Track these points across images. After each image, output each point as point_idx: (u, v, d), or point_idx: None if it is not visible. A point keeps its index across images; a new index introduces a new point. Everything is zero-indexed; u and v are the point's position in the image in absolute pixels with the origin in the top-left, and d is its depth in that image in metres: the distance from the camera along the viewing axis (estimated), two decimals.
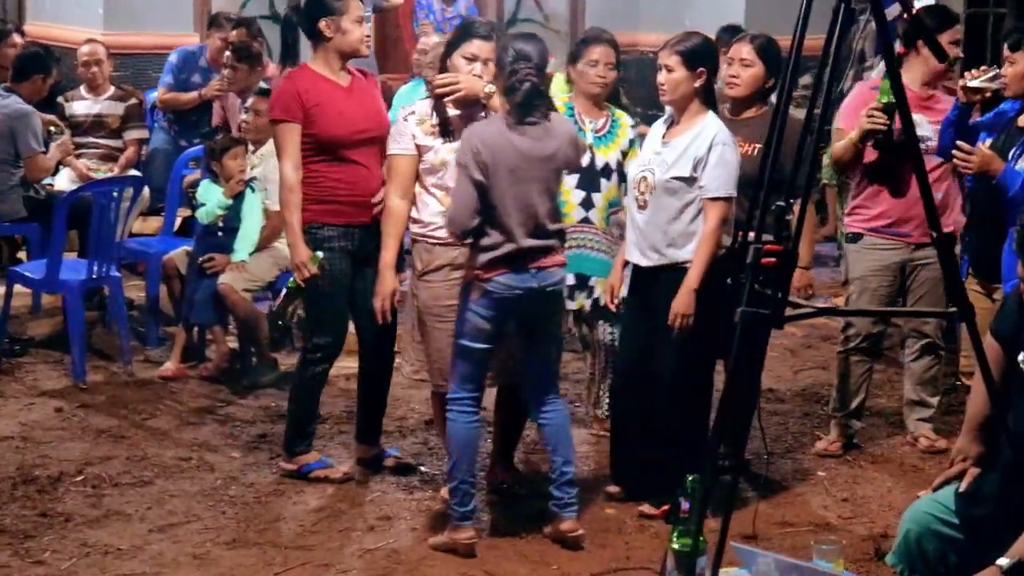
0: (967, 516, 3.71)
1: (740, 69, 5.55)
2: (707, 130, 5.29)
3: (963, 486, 3.76)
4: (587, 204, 5.90)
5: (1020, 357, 3.65)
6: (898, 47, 6.01)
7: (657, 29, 9.84)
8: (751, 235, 3.54)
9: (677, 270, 5.24)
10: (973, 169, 5.40)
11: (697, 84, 5.29)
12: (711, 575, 3.33)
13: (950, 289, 3.33)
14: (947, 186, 5.97)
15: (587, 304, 5.97)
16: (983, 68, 5.53)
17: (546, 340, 5.17)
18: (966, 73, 5.65)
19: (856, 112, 5.93)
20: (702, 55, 5.33)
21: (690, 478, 3.56)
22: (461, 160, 4.93)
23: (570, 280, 5.78)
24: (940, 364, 6.30)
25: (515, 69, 4.90)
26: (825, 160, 8.75)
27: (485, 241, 4.91)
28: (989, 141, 5.57)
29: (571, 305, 5.93)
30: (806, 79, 9.51)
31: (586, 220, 5.90)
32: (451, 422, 5.05)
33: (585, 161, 5.76)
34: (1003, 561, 3.34)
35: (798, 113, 4.51)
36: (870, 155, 5.91)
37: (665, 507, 5.32)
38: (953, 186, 6.10)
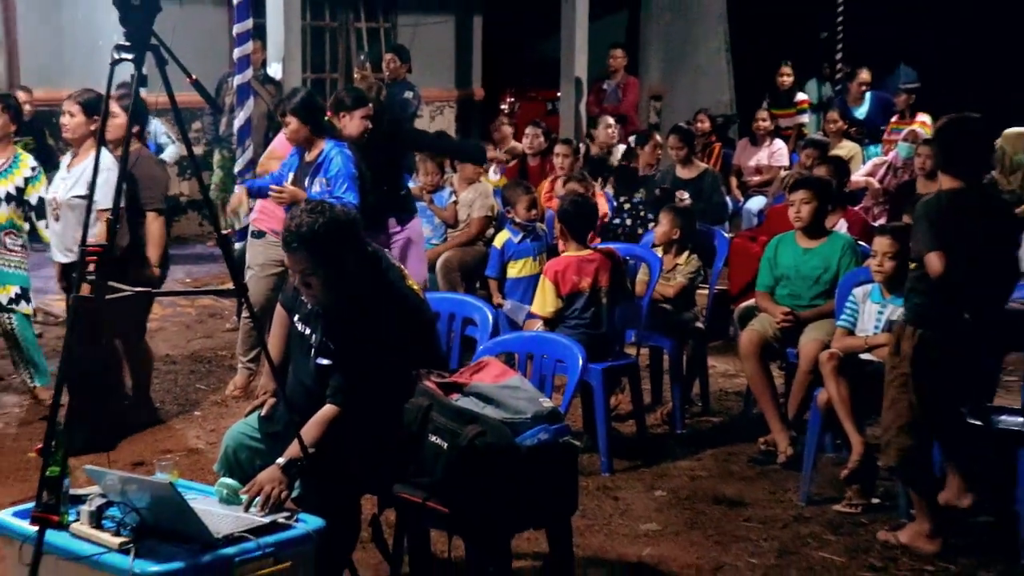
0: (266, 432, 4.03)
1: (68, 119, 5.61)
2: (102, 159, 5.56)
3: (264, 411, 4.07)
4: None
5: (295, 319, 3.99)
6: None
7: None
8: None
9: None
10: (287, 201, 5.87)
11: (92, 128, 5.52)
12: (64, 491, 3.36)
13: (232, 274, 3.68)
14: None
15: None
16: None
17: None
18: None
19: (286, 149, 6.34)
20: (95, 106, 5.51)
21: (60, 427, 3.52)
22: None
23: None
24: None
25: None
26: (216, 181, 9.28)
27: None
28: (291, 176, 6.12)
29: None
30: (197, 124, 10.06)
31: None
32: None
33: None
34: (280, 460, 3.66)
35: None
36: None
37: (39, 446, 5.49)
38: None
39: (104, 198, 5.30)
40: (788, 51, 11.76)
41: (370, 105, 6.48)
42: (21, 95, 8.63)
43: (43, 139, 8.56)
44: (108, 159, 5.42)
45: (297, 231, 3.76)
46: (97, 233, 5.41)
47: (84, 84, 6.08)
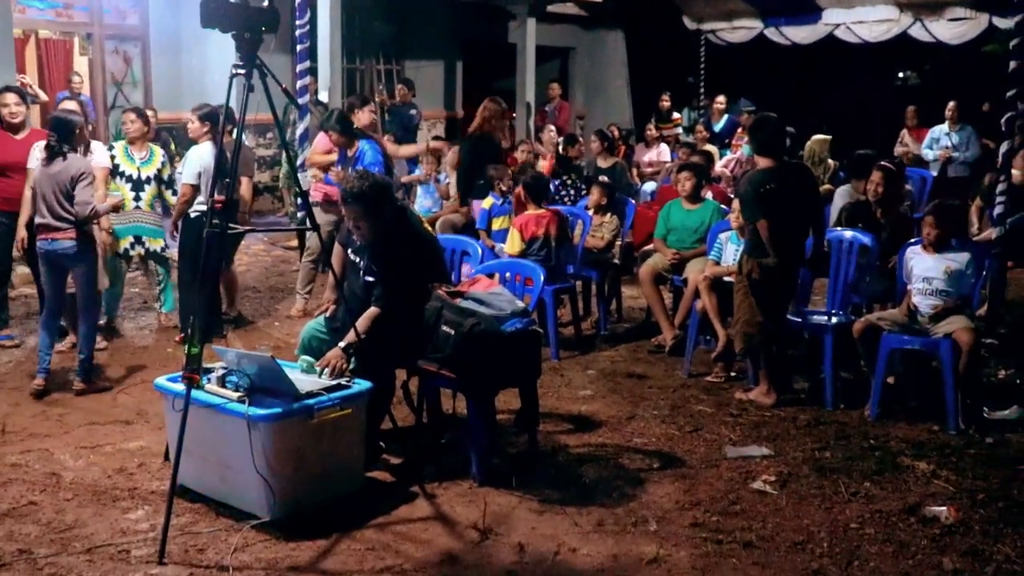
0: (331, 328, 4.02)
1: (191, 125, 5.52)
2: (188, 152, 5.53)
3: (328, 313, 4.08)
4: (137, 198, 5.80)
5: (349, 251, 3.99)
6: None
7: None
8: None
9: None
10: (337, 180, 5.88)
11: (205, 130, 5.47)
12: (200, 363, 3.27)
13: (309, 215, 3.61)
14: None
15: (140, 250, 5.87)
16: None
17: (76, 279, 4.73)
18: None
19: (324, 145, 6.19)
20: (211, 116, 5.50)
21: (192, 320, 3.66)
22: None
23: (131, 239, 5.81)
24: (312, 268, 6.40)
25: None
26: (284, 172, 9.06)
27: None
28: (340, 167, 6.03)
29: (131, 252, 5.84)
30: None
31: (137, 207, 5.82)
32: None
33: (134, 175, 5.74)
34: (341, 343, 3.67)
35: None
36: None
37: (181, 336, 5.47)
38: None
39: (185, 176, 5.50)
40: (667, 85, 11.82)
41: (372, 104, 6.46)
42: (149, 113, 8.44)
43: (166, 146, 8.41)
44: (195, 152, 5.47)
45: (351, 191, 3.77)
46: (179, 195, 5.56)
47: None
